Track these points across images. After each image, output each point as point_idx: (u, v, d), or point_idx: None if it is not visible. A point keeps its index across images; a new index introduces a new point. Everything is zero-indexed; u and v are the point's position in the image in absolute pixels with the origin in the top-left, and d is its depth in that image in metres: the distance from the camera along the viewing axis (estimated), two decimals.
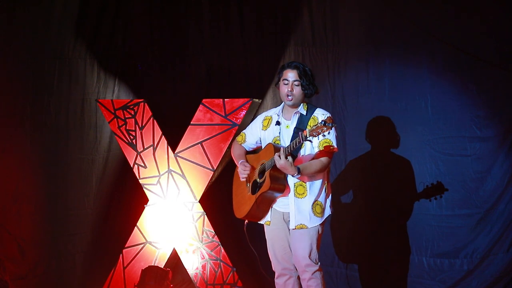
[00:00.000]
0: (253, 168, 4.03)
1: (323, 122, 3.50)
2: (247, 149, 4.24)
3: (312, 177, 3.91)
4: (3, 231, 5.32)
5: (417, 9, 5.12)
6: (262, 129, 4.12)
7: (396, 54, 5.18)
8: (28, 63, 5.43)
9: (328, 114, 3.93)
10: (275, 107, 4.18)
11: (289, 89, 3.91)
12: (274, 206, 4.01)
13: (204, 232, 5.08)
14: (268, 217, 4.03)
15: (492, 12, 4.94)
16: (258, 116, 4.23)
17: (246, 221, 4.10)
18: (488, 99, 4.97)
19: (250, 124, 4.26)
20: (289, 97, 3.92)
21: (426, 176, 5.07)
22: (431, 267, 5.08)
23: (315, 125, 3.54)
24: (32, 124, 5.41)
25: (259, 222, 4.12)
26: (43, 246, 5.44)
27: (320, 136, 3.76)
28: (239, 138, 4.27)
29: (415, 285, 5.10)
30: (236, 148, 4.25)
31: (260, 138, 4.15)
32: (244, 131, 4.28)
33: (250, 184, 4.01)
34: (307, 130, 3.58)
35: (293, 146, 3.70)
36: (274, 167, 3.81)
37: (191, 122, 5.10)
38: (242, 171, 4.03)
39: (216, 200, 5.41)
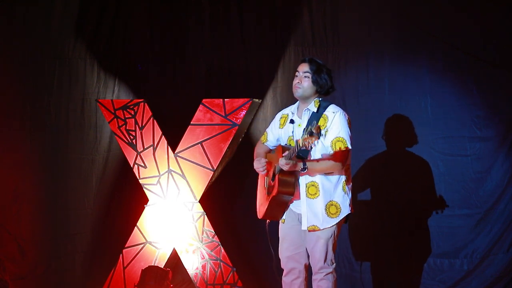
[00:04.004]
0: (271, 169, 4.00)
1: (310, 133, 3.42)
2: (270, 147, 4.18)
3: (324, 175, 3.85)
4: (3, 231, 5.33)
5: (417, 9, 5.12)
6: (279, 127, 4.08)
7: (396, 54, 5.18)
8: (28, 63, 5.44)
9: (339, 112, 3.84)
10: (293, 104, 4.11)
11: (298, 81, 3.89)
12: (291, 206, 3.97)
13: (204, 232, 5.08)
14: (284, 216, 4.01)
15: (492, 12, 4.94)
16: (277, 114, 4.18)
17: (268, 220, 4.09)
18: (488, 99, 4.97)
19: (271, 123, 4.21)
20: (297, 87, 3.89)
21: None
22: (431, 267, 5.08)
23: (305, 134, 3.45)
24: (32, 124, 5.42)
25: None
26: (43, 246, 5.44)
27: (331, 134, 3.75)
28: (262, 137, 4.23)
29: (415, 285, 5.09)
30: (258, 147, 4.20)
31: (280, 136, 4.11)
32: (266, 129, 4.24)
33: (267, 185, 4.01)
34: (300, 140, 3.53)
35: (292, 153, 3.65)
36: (282, 171, 3.77)
37: (191, 122, 5.10)
38: (259, 166, 3.97)
39: (216, 200, 5.41)
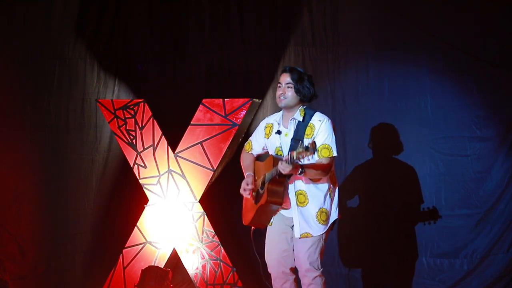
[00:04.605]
0: (259, 177, 4.02)
1: (305, 148, 3.47)
2: (255, 155, 4.20)
3: (313, 181, 3.86)
4: (3, 231, 5.33)
5: (417, 9, 5.12)
6: (264, 137, 4.09)
7: (396, 54, 5.18)
8: (28, 63, 5.44)
9: (325, 120, 3.87)
10: (277, 112, 4.14)
11: (281, 92, 3.91)
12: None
13: (204, 232, 5.08)
14: (272, 219, 4.02)
15: (492, 12, 4.94)
16: (261, 123, 4.20)
17: (253, 227, 4.09)
18: (488, 99, 4.97)
19: (255, 131, 4.22)
20: (281, 99, 3.91)
21: (426, 176, 5.08)
22: (431, 267, 5.08)
23: (301, 148, 3.50)
24: (32, 124, 5.43)
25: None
26: (43, 246, 5.44)
27: (317, 142, 3.76)
28: (246, 146, 4.23)
29: (415, 285, 5.10)
30: (244, 157, 4.21)
31: (265, 144, 4.13)
32: (250, 138, 4.25)
33: (255, 193, 4.01)
34: (294, 152, 3.55)
35: (290, 160, 3.64)
36: (272, 181, 3.80)
37: (191, 122, 5.10)
38: (246, 186, 3.98)
39: (216, 200, 5.41)
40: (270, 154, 4.02)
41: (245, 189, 3.99)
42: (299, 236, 3.88)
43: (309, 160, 3.56)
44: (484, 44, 4.97)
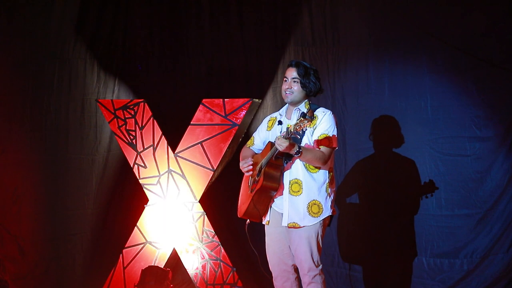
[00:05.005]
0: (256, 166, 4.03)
1: (303, 114, 3.48)
2: (256, 152, 4.20)
3: (310, 170, 3.86)
4: (3, 231, 5.33)
5: (417, 9, 5.12)
6: (267, 130, 4.11)
7: (396, 54, 5.18)
8: (28, 63, 5.43)
9: (329, 112, 3.89)
10: (280, 108, 4.16)
11: (287, 86, 3.93)
12: (273, 206, 3.98)
13: (204, 232, 5.08)
14: (268, 217, 4.02)
15: (492, 12, 4.94)
16: (265, 118, 4.23)
17: (248, 221, 4.08)
18: (488, 99, 4.97)
19: (258, 127, 4.25)
20: (287, 93, 3.93)
21: (426, 176, 5.08)
22: (431, 267, 5.08)
23: (298, 119, 3.51)
24: (32, 124, 5.42)
25: (261, 223, 4.11)
26: (43, 246, 5.44)
27: (319, 130, 3.79)
28: (248, 142, 4.26)
29: (415, 285, 5.10)
30: (243, 151, 4.23)
31: (266, 139, 4.13)
32: (253, 134, 4.27)
33: (251, 181, 4.01)
34: (292, 125, 3.56)
35: (287, 135, 3.66)
36: (269, 164, 3.80)
37: (191, 122, 5.10)
38: (244, 166, 3.99)
39: (216, 200, 5.41)
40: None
41: (243, 167, 3.97)
42: (287, 225, 3.89)
43: (305, 129, 3.54)
44: (484, 44, 4.96)
